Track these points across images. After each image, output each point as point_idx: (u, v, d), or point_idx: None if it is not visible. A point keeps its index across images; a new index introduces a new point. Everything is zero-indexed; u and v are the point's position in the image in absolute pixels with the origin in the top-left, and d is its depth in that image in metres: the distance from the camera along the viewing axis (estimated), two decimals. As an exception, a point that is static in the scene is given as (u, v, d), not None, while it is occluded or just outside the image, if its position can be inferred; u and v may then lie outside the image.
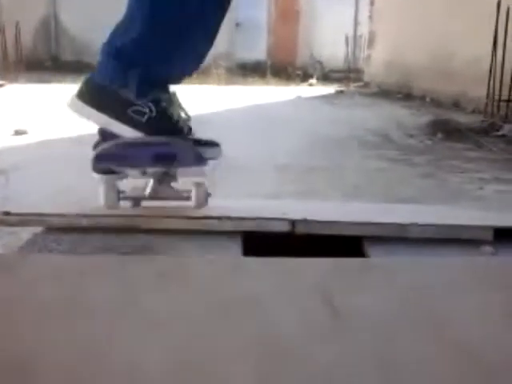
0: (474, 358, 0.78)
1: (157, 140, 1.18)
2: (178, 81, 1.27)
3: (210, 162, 1.26)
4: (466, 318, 0.91)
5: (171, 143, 1.19)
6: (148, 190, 1.31)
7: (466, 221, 1.45)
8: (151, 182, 1.32)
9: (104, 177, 1.29)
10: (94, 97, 1.24)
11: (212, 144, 1.30)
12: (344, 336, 0.85)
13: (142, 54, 1.19)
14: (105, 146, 1.21)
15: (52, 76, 8.15)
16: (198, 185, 1.27)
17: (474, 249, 1.28)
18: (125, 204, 1.31)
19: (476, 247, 1.29)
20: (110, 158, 1.22)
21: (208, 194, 1.30)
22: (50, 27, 10.83)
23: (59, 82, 7.47)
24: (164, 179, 1.28)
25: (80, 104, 1.28)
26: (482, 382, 0.72)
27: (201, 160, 1.22)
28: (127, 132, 1.18)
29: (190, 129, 1.31)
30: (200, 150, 1.23)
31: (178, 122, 1.24)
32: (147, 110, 1.18)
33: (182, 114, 1.27)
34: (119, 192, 1.30)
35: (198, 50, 1.25)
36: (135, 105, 1.18)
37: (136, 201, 1.31)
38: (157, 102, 1.19)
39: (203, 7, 1.20)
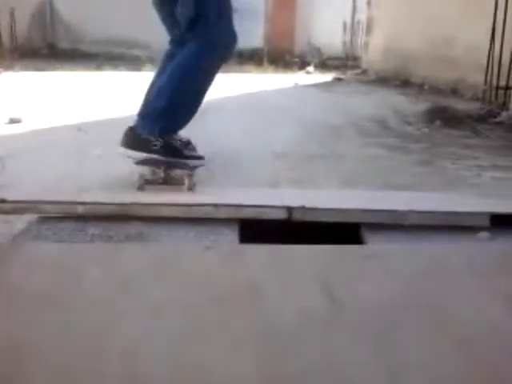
0: (474, 343, 0.78)
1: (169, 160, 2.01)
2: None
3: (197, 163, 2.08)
4: (465, 303, 0.91)
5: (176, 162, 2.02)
6: (161, 176, 1.96)
7: (463, 207, 1.44)
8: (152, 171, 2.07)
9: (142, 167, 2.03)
10: (133, 143, 2.01)
11: (199, 157, 2.10)
12: (343, 323, 0.85)
13: (170, 117, 2.02)
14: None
15: (47, 64, 8.09)
16: (189, 176, 1.90)
17: (471, 235, 1.28)
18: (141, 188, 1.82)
19: (473, 233, 1.28)
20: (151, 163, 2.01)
21: (194, 184, 1.86)
22: (45, 15, 10.73)
23: (55, 69, 7.42)
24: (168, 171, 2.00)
25: (124, 150, 2.05)
26: (483, 367, 0.72)
27: (190, 169, 2.03)
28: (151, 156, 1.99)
29: (190, 143, 2.13)
30: (190, 161, 2.04)
31: (178, 145, 2.04)
32: (160, 143, 1.98)
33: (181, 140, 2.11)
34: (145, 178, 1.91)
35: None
36: (155, 142, 1.98)
37: (148, 184, 1.87)
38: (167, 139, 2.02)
39: (215, 73, 2.09)
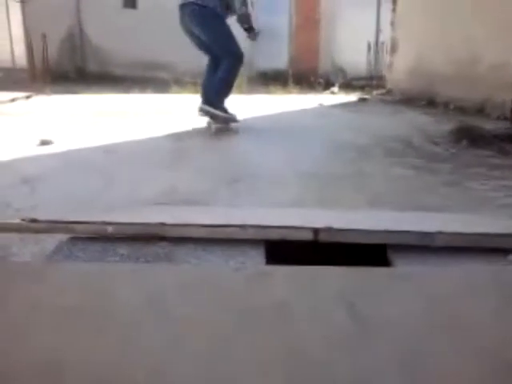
0: (501, 369, 0.77)
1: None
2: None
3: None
4: (494, 326, 0.90)
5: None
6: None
7: (492, 229, 1.42)
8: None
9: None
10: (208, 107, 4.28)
11: (235, 119, 4.42)
12: (370, 346, 0.84)
13: (223, 95, 4.27)
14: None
15: (77, 87, 8.30)
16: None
17: (500, 257, 1.26)
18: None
19: (503, 256, 1.26)
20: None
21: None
22: (75, 39, 11.05)
23: (84, 92, 7.60)
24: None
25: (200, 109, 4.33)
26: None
27: (225, 120, 4.36)
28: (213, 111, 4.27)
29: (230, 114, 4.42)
30: (229, 116, 4.38)
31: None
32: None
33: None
34: None
35: None
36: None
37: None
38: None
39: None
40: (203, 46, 4.26)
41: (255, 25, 4.36)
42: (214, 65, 4.25)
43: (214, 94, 4.21)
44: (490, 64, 5.67)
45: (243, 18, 4.21)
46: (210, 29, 4.08)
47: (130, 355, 0.80)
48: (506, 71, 4.99)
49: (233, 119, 4.30)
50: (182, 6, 4.08)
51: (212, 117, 4.27)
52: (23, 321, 0.91)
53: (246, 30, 4.33)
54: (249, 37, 4.44)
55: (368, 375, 0.76)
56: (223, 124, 4.30)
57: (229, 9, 4.12)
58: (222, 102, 4.25)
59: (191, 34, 4.20)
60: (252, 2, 4.44)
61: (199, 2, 3.96)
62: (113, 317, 0.93)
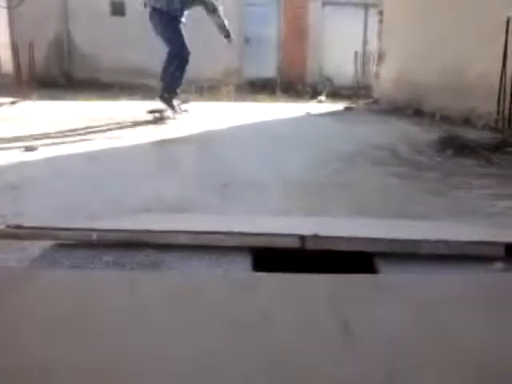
0: (488, 374, 0.77)
1: None
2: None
3: None
4: (479, 335, 0.90)
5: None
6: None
7: (477, 237, 1.43)
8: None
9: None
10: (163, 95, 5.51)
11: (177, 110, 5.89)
12: (357, 354, 0.84)
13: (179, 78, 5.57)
14: None
15: (64, 93, 8.25)
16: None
17: (486, 265, 1.26)
18: None
19: (488, 264, 1.27)
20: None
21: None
22: (62, 45, 11.00)
23: (71, 99, 7.56)
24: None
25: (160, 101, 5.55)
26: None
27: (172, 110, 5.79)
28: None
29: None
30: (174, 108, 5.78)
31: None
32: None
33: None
34: None
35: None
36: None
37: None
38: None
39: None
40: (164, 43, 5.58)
41: (230, 31, 5.64)
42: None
43: (167, 85, 5.53)
44: (476, 74, 5.75)
45: (220, 28, 5.61)
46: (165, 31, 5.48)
47: (113, 365, 0.79)
48: (491, 81, 5.06)
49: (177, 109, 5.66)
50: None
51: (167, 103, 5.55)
52: (5, 328, 0.90)
53: (224, 37, 5.65)
54: (227, 41, 5.73)
55: (356, 383, 0.76)
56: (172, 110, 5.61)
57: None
58: (173, 91, 5.59)
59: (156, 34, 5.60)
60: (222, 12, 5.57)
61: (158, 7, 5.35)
62: (97, 325, 0.92)
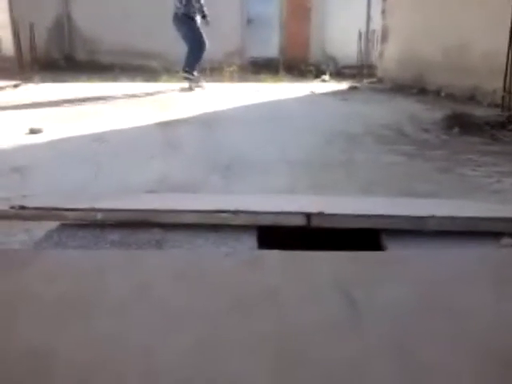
0: (495, 349, 0.76)
1: None
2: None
3: None
4: (486, 309, 0.89)
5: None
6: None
7: (484, 213, 1.42)
8: None
9: None
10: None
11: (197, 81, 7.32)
12: (363, 330, 0.83)
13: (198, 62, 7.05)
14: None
15: (66, 75, 8.20)
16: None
17: (494, 241, 1.25)
18: None
19: (496, 240, 1.26)
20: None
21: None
22: (62, 27, 10.91)
23: (73, 80, 7.52)
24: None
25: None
26: (500, 373, 0.70)
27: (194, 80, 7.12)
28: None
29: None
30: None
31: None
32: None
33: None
34: None
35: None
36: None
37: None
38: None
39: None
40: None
41: (207, 13, 6.88)
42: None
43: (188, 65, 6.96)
44: (481, 51, 5.67)
45: (199, 10, 6.88)
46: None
47: (120, 343, 0.79)
48: (496, 58, 4.99)
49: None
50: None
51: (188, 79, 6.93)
52: (11, 309, 0.90)
53: (202, 17, 6.86)
54: (205, 23, 6.91)
55: (359, 360, 0.75)
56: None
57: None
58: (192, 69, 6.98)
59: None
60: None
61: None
62: (103, 305, 0.92)
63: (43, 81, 7.13)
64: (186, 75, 6.90)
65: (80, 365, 0.73)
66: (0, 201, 1.92)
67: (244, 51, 11.05)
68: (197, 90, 6.79)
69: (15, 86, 6.66)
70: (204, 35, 6.85)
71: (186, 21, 6.79)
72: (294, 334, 0.81)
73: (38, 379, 0.69)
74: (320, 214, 1.29)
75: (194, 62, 6.96)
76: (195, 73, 6.97)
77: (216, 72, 8.06)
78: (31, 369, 0.70)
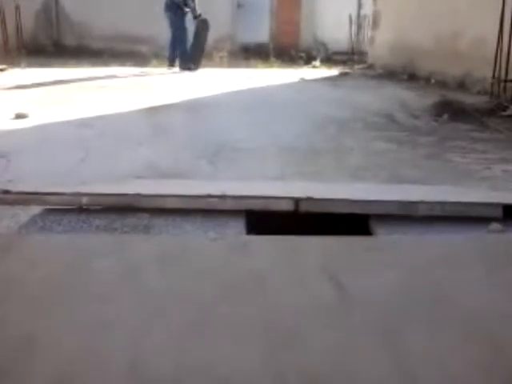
0: (483, 333, 0.76)
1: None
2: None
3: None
4: (475, 294, 0.89)
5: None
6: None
7: (473, 199, 1.42)
8: None
9: None
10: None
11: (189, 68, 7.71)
12: (350, 314, 0.83)
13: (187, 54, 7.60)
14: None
15: (53, 60, 8.09)
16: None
17: (483, 226, 1.25)
18: None
19: (485, 225, 1.26)
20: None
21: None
22: (50, 12, 10.73)
23: (60, 66, 7.42)
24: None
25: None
26: (491, 357, 0.70)
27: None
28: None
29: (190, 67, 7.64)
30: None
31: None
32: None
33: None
34: None
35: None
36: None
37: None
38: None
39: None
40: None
41: (197, 11, 7.45)
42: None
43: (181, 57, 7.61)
44: (471, 39, 5.66)
45: (192, 11, 7.49)
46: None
47: (104, 329, 0.77)
48: (486, 46, 4.98)
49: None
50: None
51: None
52: (-5, 293, 0.88)
53: (194, 18, 7.48)
54: (194, 20, 7.49)
55: (344, 342, 0.75)
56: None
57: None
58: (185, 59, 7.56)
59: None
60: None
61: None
62: (88, 289, 0.90)
63: (30, 66, 7.03)
64: (187, 71, 7.36)
65: (64, 349, 0.71)
66: (-16, 186, 1.89)
67: (234, 37, 10.95)
68: (189, 72, 7.23)
69: (1, 70, 6.55)
70: (187, 30, 7.51)
71: (175, 10, 7.36)
72: (281, 317, 0.80)
73: (20, 363, 0.67)
74: (308, 199, 1.28)
75: (187, 57, 7.52)
76: (192, 65, 7.47)
77: (206, 57, 7.98)
78: (13, 353, 0.69)
